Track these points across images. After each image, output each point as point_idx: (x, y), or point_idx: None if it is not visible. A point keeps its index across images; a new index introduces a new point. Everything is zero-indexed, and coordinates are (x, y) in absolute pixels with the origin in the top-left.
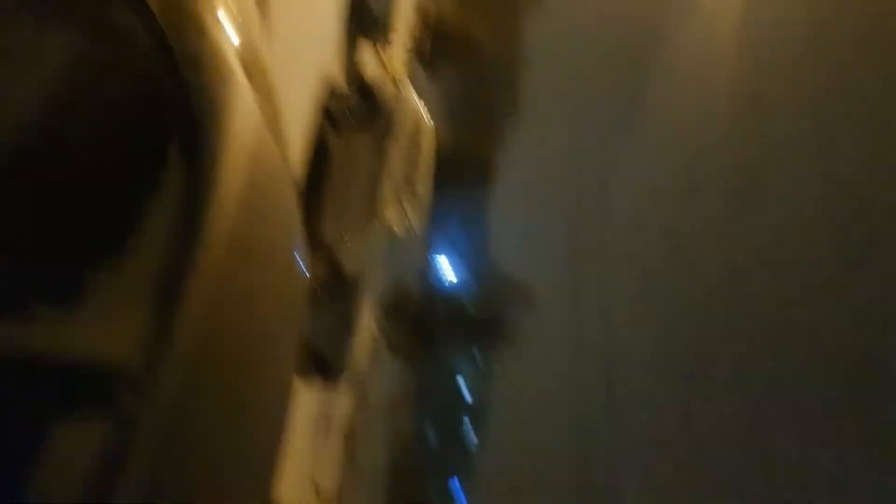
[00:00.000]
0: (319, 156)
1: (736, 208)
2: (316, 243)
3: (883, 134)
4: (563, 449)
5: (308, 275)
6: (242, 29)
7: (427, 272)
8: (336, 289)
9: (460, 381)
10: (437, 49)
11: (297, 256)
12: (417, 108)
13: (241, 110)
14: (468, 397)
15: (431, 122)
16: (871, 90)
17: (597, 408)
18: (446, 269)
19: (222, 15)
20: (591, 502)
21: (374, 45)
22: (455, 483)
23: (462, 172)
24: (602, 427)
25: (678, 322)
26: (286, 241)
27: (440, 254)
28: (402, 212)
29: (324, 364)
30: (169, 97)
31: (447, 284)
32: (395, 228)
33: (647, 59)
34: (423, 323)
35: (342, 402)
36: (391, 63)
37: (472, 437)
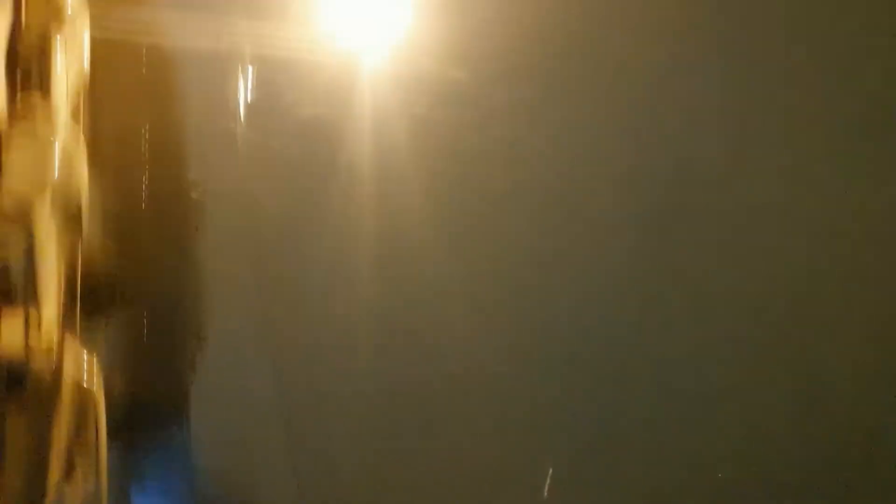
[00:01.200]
0: None
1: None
2: None
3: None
4: None
5: None
6: None
7: None
8: None
9: None
10: (95, 299)
11: None
12: (79, 374)
13: None
14: None
15: (100, 380)
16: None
17: None
18: None
19: None
20: None
21: (21, 311)
22: None
23: (148, 420)
24: None
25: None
26: None
27: None
28: (79, 489)
29: None
30: None
31: None
32: None
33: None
34: None
35: None
36: (43, 329)
37: None
